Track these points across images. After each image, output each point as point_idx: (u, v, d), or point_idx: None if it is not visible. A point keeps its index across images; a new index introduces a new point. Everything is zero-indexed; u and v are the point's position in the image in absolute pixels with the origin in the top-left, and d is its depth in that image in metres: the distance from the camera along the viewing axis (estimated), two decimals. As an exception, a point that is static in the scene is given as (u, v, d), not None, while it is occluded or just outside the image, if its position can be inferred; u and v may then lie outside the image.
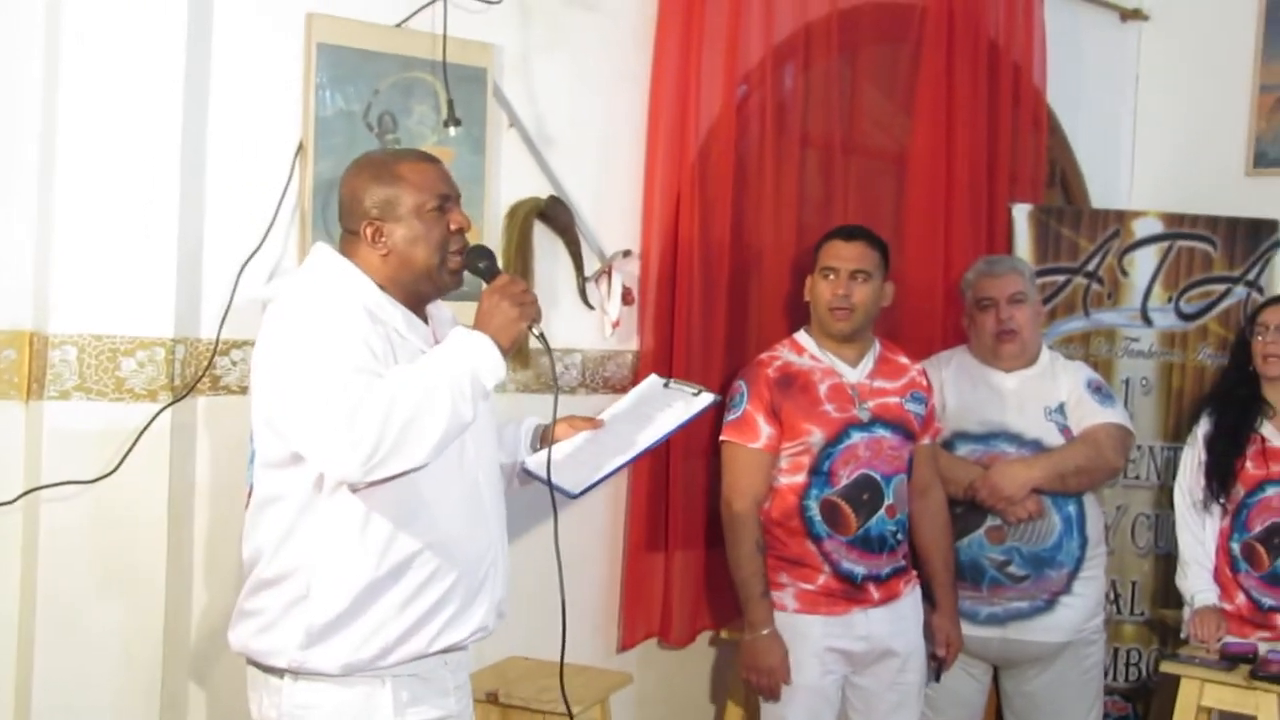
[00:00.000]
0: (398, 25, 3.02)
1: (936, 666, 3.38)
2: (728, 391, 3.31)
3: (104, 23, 2.64)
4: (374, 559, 2.18)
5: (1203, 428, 3.71)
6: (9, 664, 2.65)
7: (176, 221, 2.70)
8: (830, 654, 3.20)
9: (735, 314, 3.65)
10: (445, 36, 3.03)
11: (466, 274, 2.33)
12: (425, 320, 2.32)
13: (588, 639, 3.49)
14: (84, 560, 2.65)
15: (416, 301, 2.30)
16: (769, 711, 3.22)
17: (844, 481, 3.20)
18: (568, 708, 2.54)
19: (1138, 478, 4.20)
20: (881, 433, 3.24)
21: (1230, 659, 3.46)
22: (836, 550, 3.19)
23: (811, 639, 3.17)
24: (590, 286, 3.42)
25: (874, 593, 3.22)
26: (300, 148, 2.89)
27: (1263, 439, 3.61)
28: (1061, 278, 4.26)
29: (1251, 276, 4.26)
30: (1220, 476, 3.63)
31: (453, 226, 2.26)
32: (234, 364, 2.83)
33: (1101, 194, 4.78)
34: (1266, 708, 3.34)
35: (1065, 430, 3.53)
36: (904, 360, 3.39)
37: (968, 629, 3.49)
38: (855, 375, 3.27)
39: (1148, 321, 4.27)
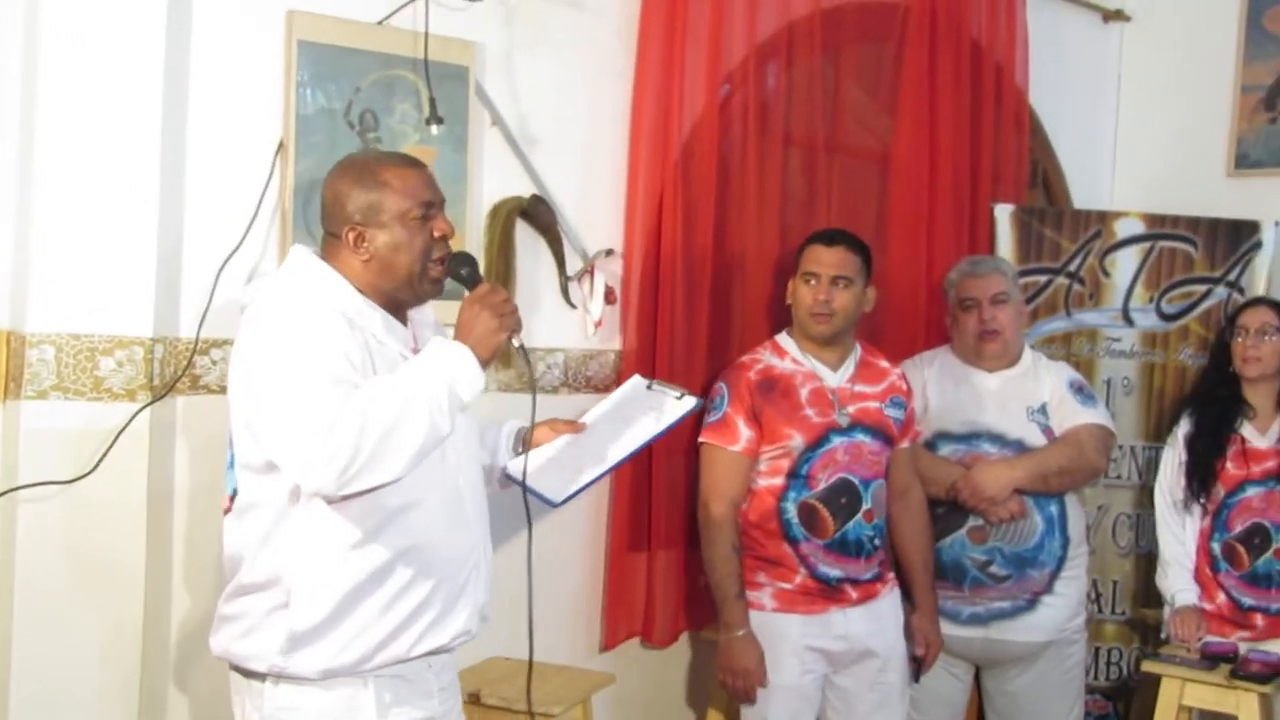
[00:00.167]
0: (379, 22, 3.00)
1: (916, 667, 3.38)
2: (709, 393, 3.30)
3: (83, 19, 2.62)
4: (353, 565, 2.18)
5: (1183, 428, 3.72)
6: (-14, 665, 2.64)
7: (156, 220, 2.68)
8: (809, 653, 3.19)
9: (718, 314, 3.64)
10: (427, 34, 3.02)
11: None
12: (406, 323, 2.31)
13: (570, 639, 3.48)
14: (62, 561, 2.63)
15: (396, 306, 2.28)
16: (750, 711, 3.22)
17: (822, 485, 3.20)
18: (529, 709, 2.50)
19: (1119, 477, 4.21)
20: (861, 437, 3.24)
21: (1211, 658, 3.48)
22: (813, 553, 3.19)
23: (790, 638, 3.17)
24: (573, 286, 3.41)
25: (851, 592, 3.22)
26: (281, 146, 2.87)
27: (1243, 439, 3.63)
28: (1043, 278, 4.27)
29: (1232, 277, 4.28)
30: (1201, 477, 3.64)
31: (436, 234, 2.24)
32: (214, 363, 2.81)
33: (1083, 194, 4.79)
34: (1247, 707, 3.36)
35: (1047, 430, 3.54)
36: (884, 364, 3.39)
37: (950, 629, 3.50)
38: (836, 379, 3.27)
39: (1129, 322, 4.28)
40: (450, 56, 3.10)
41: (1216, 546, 3.63)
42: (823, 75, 3.86)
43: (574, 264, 3.42)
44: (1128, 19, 4.93)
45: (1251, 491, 3.60)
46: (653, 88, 3.46)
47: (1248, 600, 3.59)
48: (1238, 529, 3.61)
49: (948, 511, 3.50)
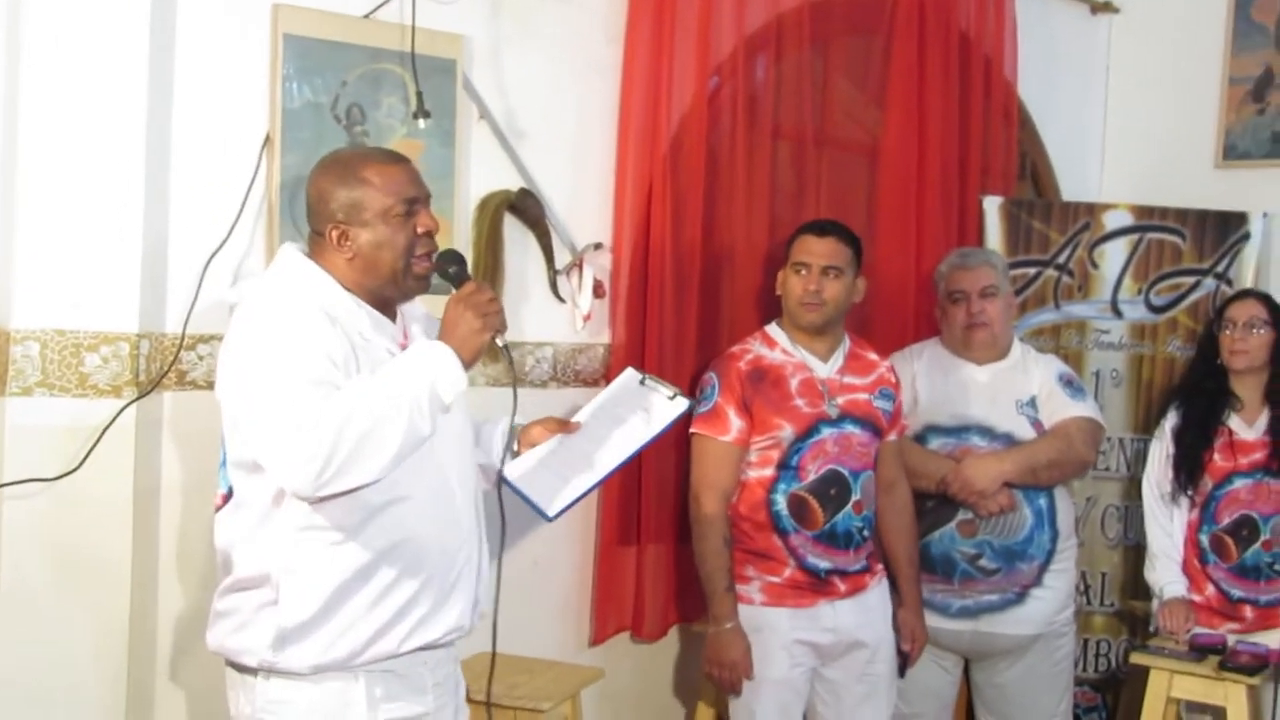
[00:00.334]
0: (365, 16, 2.98)
1: (902, 661, 3.38)
2: (699, 384, 3.29)
3: (66, 14, 2.60)
4: (340, 562, 2.19)
5: (1170, 421, 3.72)
6: (-28, 663, 2.62)
7: (141, 215, 2.67)
8: (798, 646, 3.19)
9: (707, 306, 3.64)
10: (414, 27, 3.00)
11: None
12: (395, 319, 2.30)
13: (559, 634, 3.48)
14: (47, 558, 2.63)
15: (384, 303, 2.28)
16: (738, 704, 3.22)
17: (812, 476, 3.19)
18: (488, 708, 2.50)
19: (1107, 469, 4.21)
20: (850, 429, 3.24)
21: (1199, 650, 3.48)
22: (803, 545, 3.19)
23: (779, 631, 3.17)
24: (561, 279, 3.40)
25: (840, 585, 3.22)
26: (267, 140, 2.85)
27: (1230, 431, 3.63)
28: (1032, 270, 4.27)
29: (1221, 269, 4.28)
30: (1188, 469, 3.64)
31: (420, 230, 2.24)
32: (200, 359, 2.80)
33: (1072, 187, 4.79)
34: (1235, 699, 3.36)
35: (1036, 423, 3.54)
36: (873, 357, 3.38)
37: (939, 622, 3.50)
38: (826, 370, 3.27)
39: (1118, 314, 4.29)
40: (437, 50, 3.08)
41: (1205, 539, 3.64)
42: (811, 68, 3.85)
43: (563, 258, 3.41)
44: (1116, 11, 4.92)
45: (1239, 483, 3.61)
46: (641, 81, 3.45)
47: (1237, 592, 3.59)
48: (1226, 521, 3.61)
49: (937, 505, 3.50)
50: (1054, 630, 3.57)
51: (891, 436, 3.38)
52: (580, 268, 3.41)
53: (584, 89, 3.44)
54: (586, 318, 3.43)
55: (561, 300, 3.41)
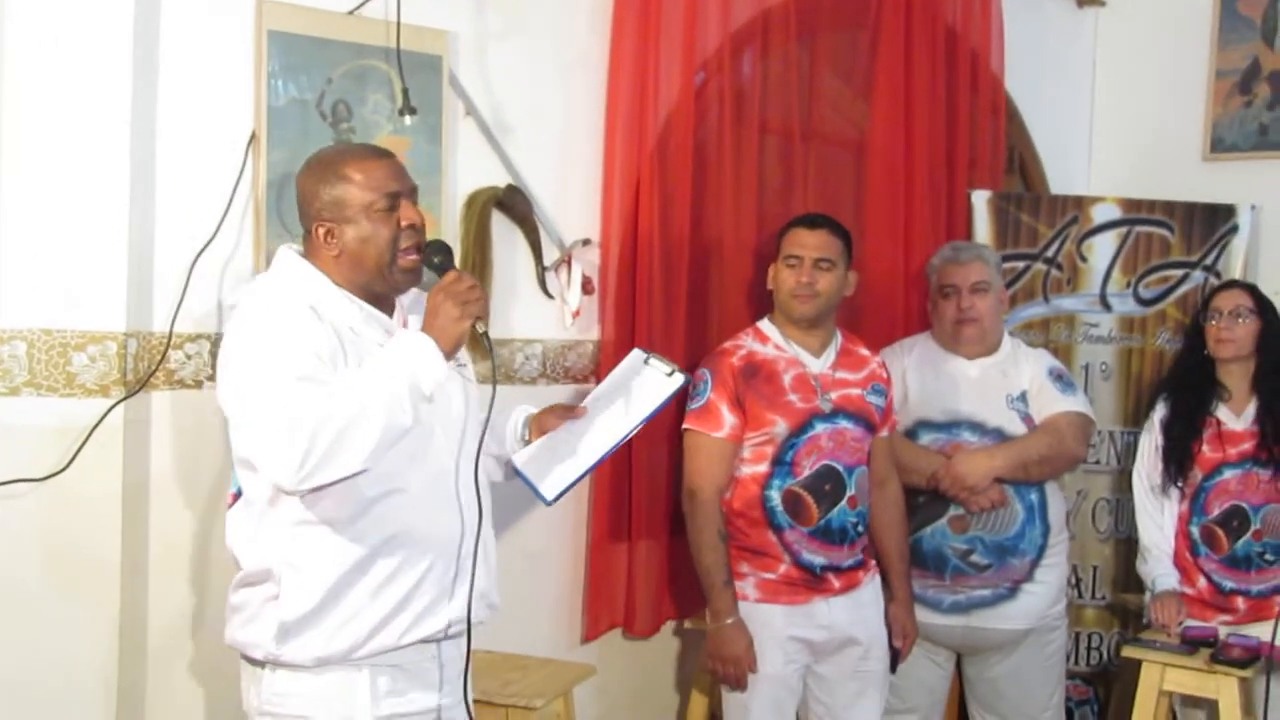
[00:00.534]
0: (350, 12, 2.97)
1: (893, 657, 3.38)
2: (691, 380, 3.28)
3: (49, 12, 2.59)
4: (337, 555, 2.23)
5: (1159, 413, 3.72)
6: (-39, 665, 2.61)
7: (127, 213, 2.65)
8: (792, 643, 3.19)
9: (696, 302, 3.64)
10: (399, 23, 2.99)
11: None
12: (392, 311, 2.33)
13: (551, 631, 3.47)
14: (36, 558, 2.62)
15: (377, 298, 2.30)
16: (732, 701, 3.21)
17: (806, 472, 3.19)
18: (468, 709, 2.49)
19: (1098, 462, 4.21)
20: (844, 424, 3.24)
21: (1191, 643, 3.48)
22: (798, 541, 3.18)
23: (773, 628, 3.16)
24: (550, 276, 3.40)
25: (834, 582, 3.22)
26: (253, 138, 2.84)
27: (1218, 422, 3.63)
28: (1021, 264, 4.27)
29: (1209, 261, 4.28)
30: (1177, 461, 3.64)
31: (403, 223, 2.26)
32: (188, 358, 2.79)
33: (1060, 180, 4.79)
34: (1227, 691, 3.36)
35: (1027, 419, 3.54)
36: (864, 352, 3.38)
37: (932, 617, 3.50)
38: (818, 366, 3.26)
39: (1107, 307, 4.29)
40: (423, 46, 3.08)
41: (1195, 530, 3.64)
42: (798, 62, 3.85)
43: (551, 254, 3.40)
44: (1102, 4, 4.93)
45: (1229, 474, 3.61)
46: (627, 76, 3.44)
47: (1229, 584, 3.59)
48: (1216, 512, 3.61)
49: (928, 501, 3.50)
50: (1046, 624, 3.58)
51: (883, 432, 3.38)
52: (568, 264, 3.41)
53: (570, 85, 3.43)
54: (575, 314, 3.43)
55: (550, 297, 3.41)
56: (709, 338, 3.64)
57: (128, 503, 2.68)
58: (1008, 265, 4.21)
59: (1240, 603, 3.59)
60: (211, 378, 2.80)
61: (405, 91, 2.99)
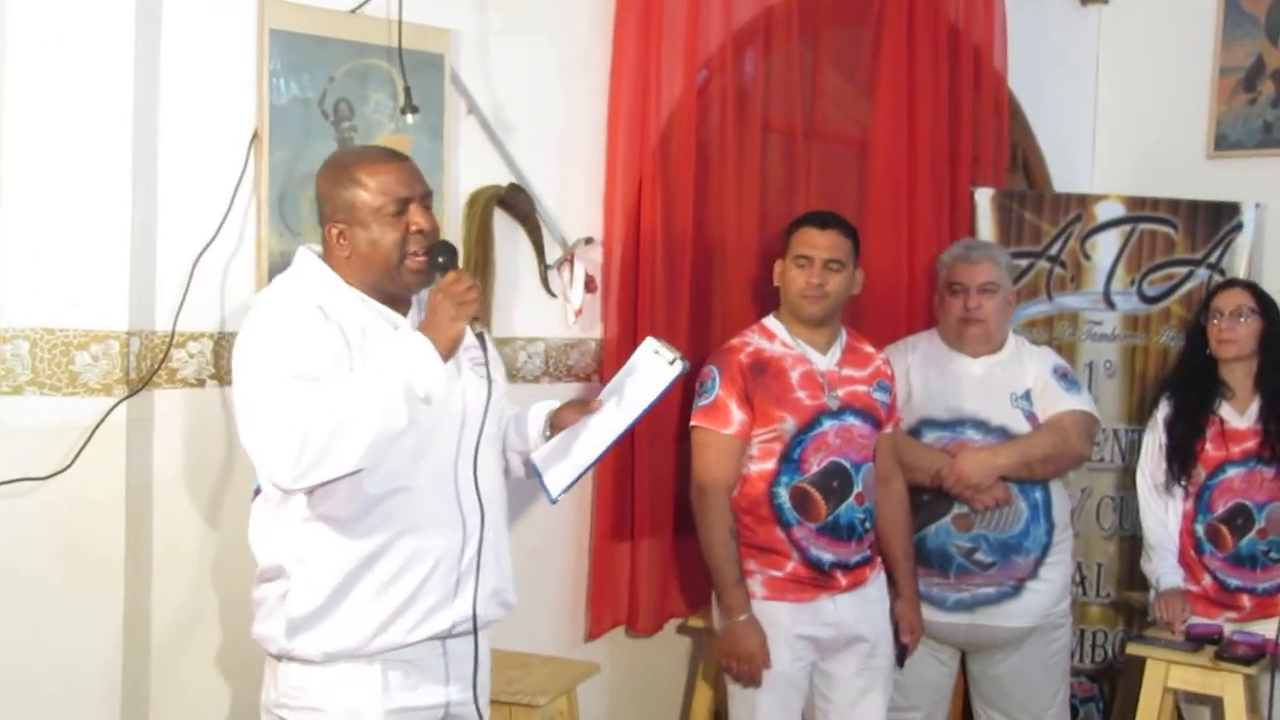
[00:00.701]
0: (352, 11, 2.97)
1: (899, 653, 3.37)
2: (698, 377, 3.28)
3: (51, 11, 2.59)
4: (343, 552, 2.26)
5: (1162, 411, 3.72)
6: (-35, 664, 2.61)
7: (129, 212, 2.65)
8: (799, 641, 3.19)
9: (699, 300, 3.64)
10: (401, 22, 2.99)
11: None
12: (408, 311, 2.35)
13: (555, 629, 3.47)
14: (40, 557, 2.62)
15: (392, 298, 2.33)
16: (739, 699, 3.21)
17: (814, 469, 3.18)
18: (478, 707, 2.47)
19: (1102, 460, 4.21)
20: (851, 421, 3.23)
21: (1196, 640, 3.48)
22: (806, 538, 3.18)
23: (780, 626, 3.16)
24: (552, 274, 3.40)
25: (841, 579, 3.22)
26: (255, 136, 2.84)
27: (1221, 420, 3.63)
28: (1024, 262, 4.26)
29: (1213, 259, 4.28)
30: (1181, 459, 3.64)
31: (412, 228, 2.28)
32: (191, 356, 2.79)
33: (1063, 178, 4.79)
34: (1232, 688, 3.36)
35: (1031, 417, 3.53)
36: (869, 349, 3.38)
37: (936, 615, 3.50)
38: (825, 363, 3.26)
39: (1110, 305, 4.28)
40: (425, 44, 3.08)
41: (1200, 528, 3.64)
42: (800, 60, 3.85)
43: (553, 252, 3.40)
44: (1106, 1, 4.92)
45: (1232, 472, 3.61)
46: (630, 74, 3.44)
47: (1234, 581, 3.59)
48: (1220, 510, 3.61)
49: (932, 499, 3.50)
50: (1050, 622, 3.57)
51: (888, 429, 3.38)
52: (571, 262, 3.41)
53: (572, 83, 3.43)
54: (578, 313, 3.43)
55: (553, 295, 3.41)
56: (712, 335, 3.64)
57: (131, 501, 2.68)
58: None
59: (1245, 600, 3.58)
60: (214, 376, 2.81)
61: (407, 90, 2.99)
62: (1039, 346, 3.77)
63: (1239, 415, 3.63)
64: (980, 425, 3.53)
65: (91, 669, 2.65)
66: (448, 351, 2.18)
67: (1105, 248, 4.29)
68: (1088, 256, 4.28)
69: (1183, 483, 3.65)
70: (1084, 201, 4.33)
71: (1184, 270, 4.29)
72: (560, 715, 3.12)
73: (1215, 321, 3.62)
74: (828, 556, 3.20)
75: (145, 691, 2.75)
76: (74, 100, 2.61)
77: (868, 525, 3.27)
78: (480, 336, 2.25)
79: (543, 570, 3.40)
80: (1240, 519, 3.60)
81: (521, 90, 3.31)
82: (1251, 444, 3.60)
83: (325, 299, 2.26)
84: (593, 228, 3.47)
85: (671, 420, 3.42)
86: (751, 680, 3.14)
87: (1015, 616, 3.52)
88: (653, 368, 2.41)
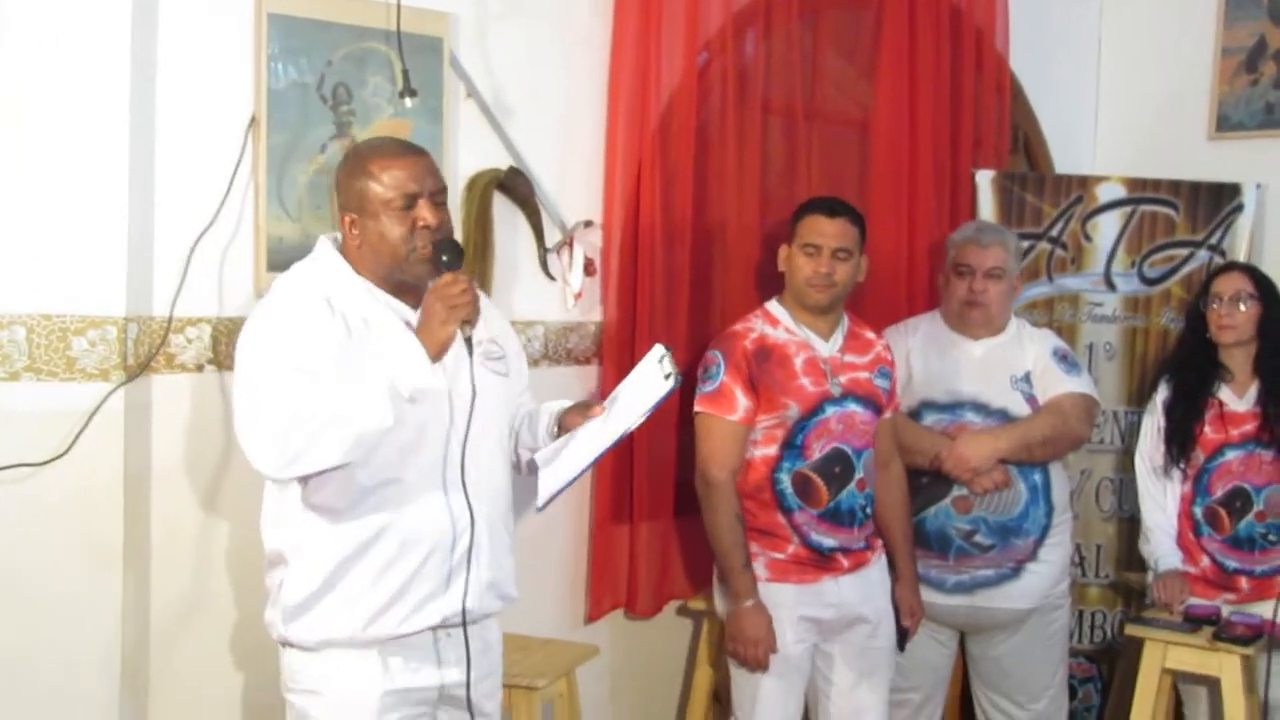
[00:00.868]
0: (351, -6, 2.97)
1: (900, 636, 3.38)
2: (701, 362, 3.27)
3: (47, -6, 2.58)
4: (338, 541, 2.29)
5: (1161, 394, 3.71)
6: (-35, 650, 2.62)
7: (126, 198, 2.65)
8: (802, 622, 3.20)
9: (699, 283, 3.63)
10: (399, 5, 2.97)
11: None
12: (419, 303, 2.34)
13: (554, 612, 3.48)
14: (38, 544, 2.62)
15: (401, 288, 2.34)
16: (741, 681, 3.22)
17: (817, 455, 3.19)
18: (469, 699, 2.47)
19: (1102, 442, 4.21)
20: (853, 407, 3.23)
21: (1194, 621, 3.48)
22: (807, 523, 3.19)
23: (783, 607, 3.17)
24: (552, 258, 3.39)
25: (843, 561, 3.22)
26: (253, 121, 2.83)
27: (1220, 403, 3.62)
28: (1025, 243, 4.23)
29: (1214, 240, 4.27)
30: (1180, 442, 3.63)
31: (419, 223, 2.29)
32: (189, 341, 2.79)
33: (1065, 159, 4.77)
34: (1230, 669, 3.36)
35: (1031, 399, 3.53)
36: (870, 335, 3.38)
37: (935, 597, 3.51)
38: (828, 349, 3.26)
39: (1111, 286, 4.28)
40: (424, 28, 3.06)
41: (1198, 511, 3.63)
42: (801, 42, 3.83)
43: (553, 236, 3.39)
44: (1107, -18, 4.90)
45: (1231, 455, 3.60)
46: (629, 57, 3.43)
47: (1231, 563, 3.59)
48: (1218, 493, 3.61)
49: (932, 482, 3.50)
50: (1049, 603, 3.58)
51: (888, 413, 3.38)
52: (570, 246, 3.40)
53: (572, 66, 3.42)
54: (578, 296, 3.43)
55: (552, 279, 3.40)
56: (712, 319, 3.64)
57: (129, 488, 2.68)
58: (1012, 245, 4.19)
59: (1244, 582, 3.58)
60: (213, 361, 2.81)
61: (406, 74, 2.97)
62: (1039, 329, 3.76)
63: (1238, 398, 3.62)
64: (980, 408, 3.53)
65: (90, 656, 2.65)
66: (436, 353, 2.20)
67: (1106, 229, 4.28)
68: (1088, 238, 4.27)
69: (1181, 465, 3.65)
70: (1085, 183, 4.32)
71: (1185, 252, 4.28)
72: (560, 697, 3.14)
73: (1215, 307, 3.61)
74: (829, 541, 3.20)
75: (144, 678, 2.76)
76: (71, 85, 2.60)
77: (869, 511, 3.28)
78: (467, 341, 2.25)
79: (542, 553, 3.40)
80: (1238, 501, 3.59)
81: (521, 73, 3.30)
82: (1250, 427, 3.59)
83: (334, 289, 2.29)
84: (592, 211, 3.46)
85: (672, 403, 3.41)
86: (759, 664, 3.14)
87: (1014, 598, 3.53)
88: (651, 378, 2.38)
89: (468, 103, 3.21)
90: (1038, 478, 3.52)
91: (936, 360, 3.59)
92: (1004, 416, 3.50)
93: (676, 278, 3.53)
